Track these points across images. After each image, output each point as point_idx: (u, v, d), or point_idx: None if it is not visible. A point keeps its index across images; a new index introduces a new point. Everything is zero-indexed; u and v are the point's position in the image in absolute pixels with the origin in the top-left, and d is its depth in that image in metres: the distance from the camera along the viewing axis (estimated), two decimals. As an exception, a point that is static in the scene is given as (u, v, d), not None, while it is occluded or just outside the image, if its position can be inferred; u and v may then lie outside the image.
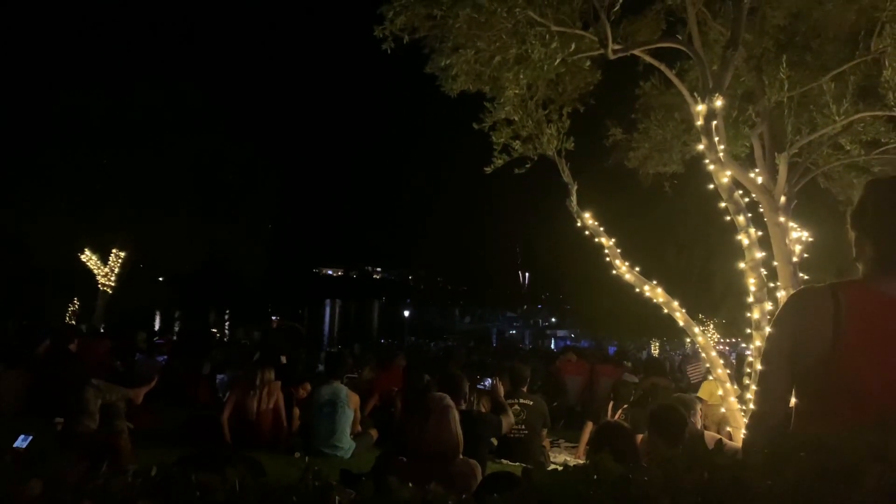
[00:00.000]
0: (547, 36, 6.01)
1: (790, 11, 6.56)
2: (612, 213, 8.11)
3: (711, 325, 20.62)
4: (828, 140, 6.52)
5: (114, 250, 21.36)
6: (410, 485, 1.17)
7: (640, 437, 5.11)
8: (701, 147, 5.74)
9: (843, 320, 1.61)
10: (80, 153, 19.03)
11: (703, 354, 6.61)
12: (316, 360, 12.54)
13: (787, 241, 6.06)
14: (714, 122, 5.62)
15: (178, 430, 6.70)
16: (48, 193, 18.70)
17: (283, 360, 8.80)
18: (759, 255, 5.62)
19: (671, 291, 6.63)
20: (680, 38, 6.34)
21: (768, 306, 5.59)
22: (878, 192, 1.76)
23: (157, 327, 28.97)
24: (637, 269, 6.72)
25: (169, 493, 1.13)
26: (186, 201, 20.49)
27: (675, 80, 6.25)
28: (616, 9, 5.97)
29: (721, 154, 5.65)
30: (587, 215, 6.85)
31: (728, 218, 5.81)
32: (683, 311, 6.45)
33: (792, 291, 5.71)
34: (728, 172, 5.69)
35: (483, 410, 6.55)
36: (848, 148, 6.78)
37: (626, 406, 7.40)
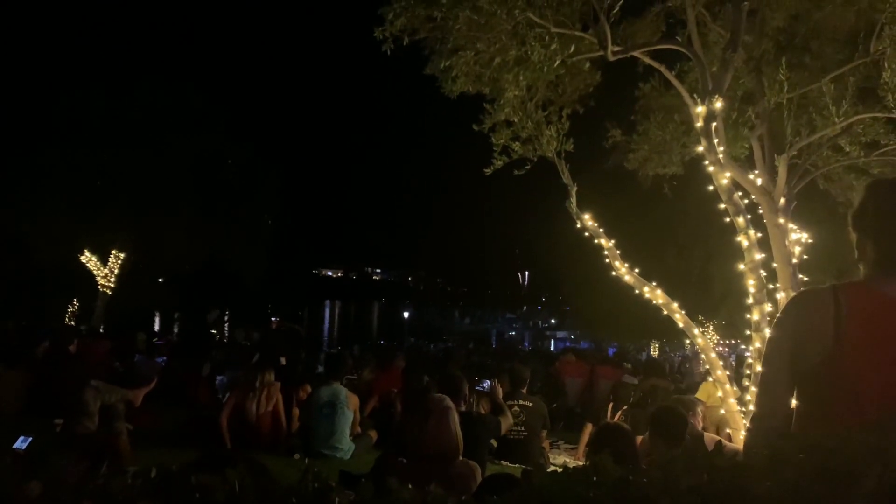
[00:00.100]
0: (546, 37, 6.02)
1: (790, 13, 6.57)
2: (611, 214, 8.12)
3: (711, 327, 20.63)
4: (827, 142, 6.52)
5: (113, 251, 21.36)
6: (410, 486, 1.17)
7: (639, 438, 5.11)
8: (700, 149, 5.75)
9: (843, 321, 1.61)
10: (80, 153, 19.05)
11: (703, 356, 6.61)
12: (315, 361, 12.53)
13: (786, 242, 6.06)
14: (714, 124, 5.63)
15: (177, 431, 6.70)
16: (48, 194, 18.71)
17: (283, 361, 8.79)
18: (759, 256, 5.62)
19: (671, 293, 6.63)
20: (679, 39, 6.35)
21: (768, 308, 5.59)
22: (878, 194, 1.76)
23: (156, 328, 28.95)
24: (637, 270, 6.72)
25: (169, 495, 1.13)
26: (186, 202, 20.50)
27: (675, 82, 6.26)
28: (616, 10, 5.98)
29: (720, 155, 5.66)
30: (587, 216, 6.85)
31: (727, 219, 5.82)
32: (683, 312, 6.46)
33: (791, 293, 5.73)
34: (727, 174, 5.70)
35: (483, 412, 6.55)
36: (847, 149, 6.78)
37: (625, 407, 7.40)
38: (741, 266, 5.73)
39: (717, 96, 5.58)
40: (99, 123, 19.37)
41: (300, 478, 1.20)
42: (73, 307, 23.43)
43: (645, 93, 7.83)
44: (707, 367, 6.55)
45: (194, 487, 1.13)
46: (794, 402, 1.74)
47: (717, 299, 18.13)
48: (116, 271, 21.48)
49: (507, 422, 6.20)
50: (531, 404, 7.03)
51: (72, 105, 19.18)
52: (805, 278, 6.11)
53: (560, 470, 1.15)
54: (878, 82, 5.76)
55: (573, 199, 6.87)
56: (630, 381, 8.99)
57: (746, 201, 5.97)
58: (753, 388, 5.57)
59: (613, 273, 6.79)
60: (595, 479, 1.08)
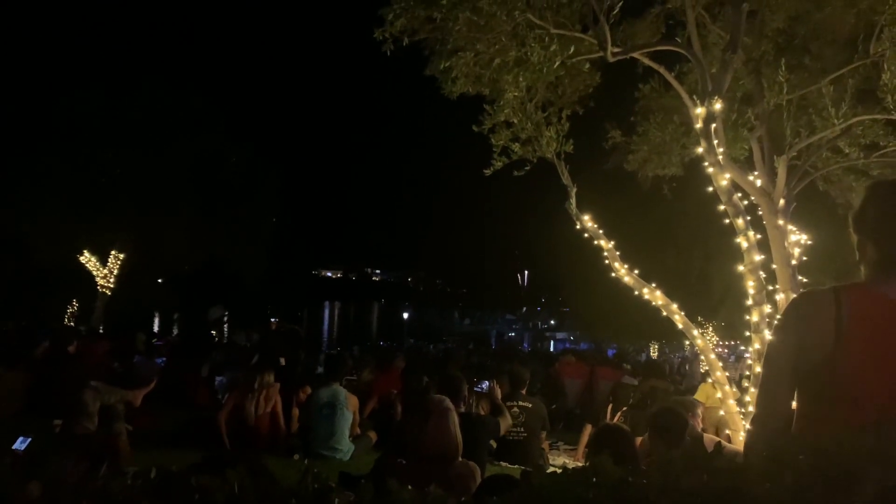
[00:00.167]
0: (546, 39, 6.02)
1: (789, 14, 6.58)
2: (611, 215, 8.12)
3: (710, 328, 20.65)
4: (827, 143, 6.53)
5: (113, 251, 21.36)
6: (409, 487, 1.17)
7: (639, 439, 5.11)
8: (700, 150, 5.75)
9: (844, 323, 1.61)
10: (80, 154, 19.05)
11: (702, 357, 6.62)
12: (315, 362, 12.52)
13: (786, 243, 6.06)
14: (713, 125, 5.63)
15: (177, 432, 6.69)
16: (48, 194, 18.71)
17: (282, 362, 8.79)
18: (758, 257, 5.62)
19: (670, 294, 6.63)
20: (679, 41, 6.35)
21: (767, 309, 5.59)
22: (879, 195, 1.76)
23: (155, 329, 28.94)
24: (636, 271, 6.72)
25: (168, 495, 1.13)
26: (186, 202, 20.51)
27: (675, 83, 6.26)
28: (615, 12, 5.99)
29: (720, 157, 5.66)
30: (586, 217, 6.86)
31: (727, 221, 5.82)
32: (682, 313, 6.46)
33: (791, 294, 5.74)
34: (727, 175, 5.70)
35: (482, 413, 6.54)
36: (847, 151, 6.79)
37: (625, 408, 7.39)
38: (740, 267, 5.74)
39: (716, 97, 5.58)
40: (99, 123, 19.37)
41: (300, 479, 1.20)
42: (73, 308, 23.44)
43: (644, 94, 7.83)
44: (706, 368, 6.55)
45: (194, 488, 1.13)
46: (794, 404, 1.74)
47: (716, 300, 18.16)
48: (116, 272, 21.48)
49: (505, 422, 6.20)
50: (531, 405, 7.02)
51: (72, 105, 19.18)
52: (804, 280, 6.12)
53: (559, 471, 1.15)
54: (877, 84, 5.77)
55: (573, 200, 6.87)
56: (629, 382, 8.99)
57: (746, 203, 5.97)
58: (753, 390, 5.57)
59: (613, 274, 6.79)
60: (595, 480, 1.08)
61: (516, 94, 6.37)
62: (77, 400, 5.27)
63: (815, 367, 1.64)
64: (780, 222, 6.09)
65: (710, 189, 5.84)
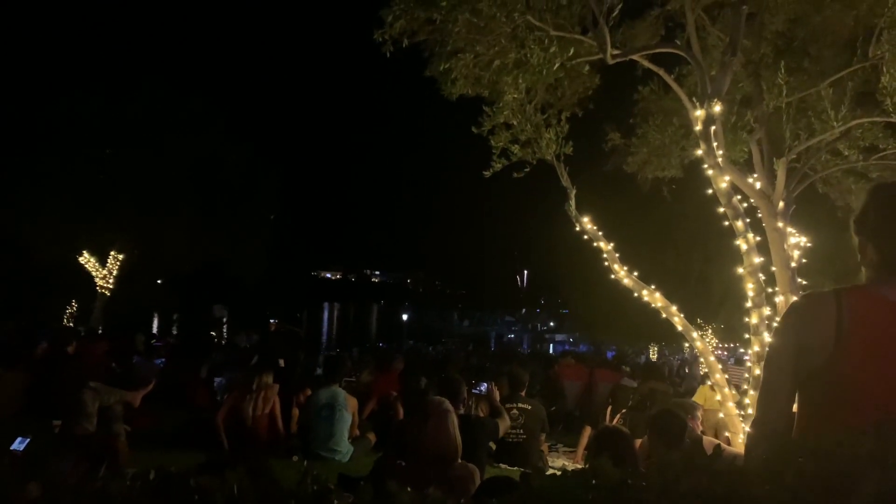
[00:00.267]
0: (546, 40, 6.03)
1: (789, 17, 6.59)
2: (610, 217, 8.13)
3: (710, 330, 20.65)
4: (826, 146, 6.54)
5: (112, 252, 21.35)
6: (409, 489, 1.17)
7: (638, 441, 5.11)
8: (699, 152, 5.76)
9: (845, 326, 1.61)
10: (80, 154, 19.04)
11: (702, 359, 6.62)
12: (314, 363, 12.53)
13: (785, 246, 6.07)
14: (713, 128, 5.64)
15: (176, 433, 6.69)
16: (47, 195, 18.69)
17: (282, 363, 8.79)
18: (758, 260, 5.63)
19: (670, 296, 6.64)
20: (679, 43, 6.36)
21: (766, 311, 5.60)
22: (880, 197, 1.76)
23: (154, 329, 28.92)
24: (636, 273, 6.72)
25: (168, 497, 1.13)
26: (185, 203, 20.50)
27: (674, 86, 6.27)
28: (615, 14, 5.99)
29: (720, 159, 5.66)
30: (586, 219, 6.86)
31: (726, 223, 5.82)
32: (682, 315, 6.46)
33: (790, 297, 5.74)
34: (726, 177, 5.70)
35: (481, 414, 6.54)
36: (846, 153, 6.80)
37: (624, 411, 7.39)
38: (740, 269, 5.74)
39: (716, 100, 5.59)
40: (98, 124, 19.36)
41: (299, 480, 1.20)
42: (72, 308, 23.42)
43: (644, 96, 7.84)
44: (706, 370, 6.55)
45: (193, 489, 1.13)
46: (795, 407, 1.74)
47: (715, 303, 18.16)
48: (115, 272, 21.47)
49: (504, 424, 6.20)
50: (530, 407, 7.02)
51: (71, 105, 19.18)
52: (804, 282, 6.12)
53: (559, 473, 1.15)
54: (876, 86, 5.78)
55: (572, 202, 6.87)
56: (629, 384, 8.98)
57: (745, 205, 5.97)
58: (752, 392, 5.57)
59: (612, 276, 6.80)
60: (594, 482, 1.08)
61: (516, 95, 6.38)
62: (76, 401, 5.27)
63: (815, 369, 1.64)
64: (780, 224, 6.09)
65: (710, 191, 5.85)
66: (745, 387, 5.83)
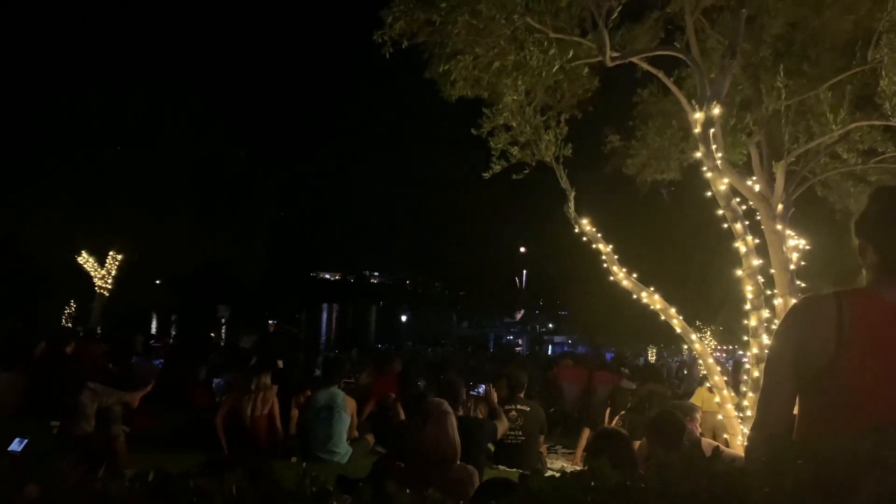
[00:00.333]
0: (545, 43, 6.04)
1: (788, 20, 6.59)
2: (609, 219, 8.13)
3: (709, 332, 20.66)
4: (825, 149, 6.54)
5: (111, 252, 21.33)
6: (408, 490, 1.17)
7: (637, 443, 5.11)
8: (698, 154, 5.77)
9: (846, 328, 1.61)
10: (78, 155, 19.02)
11: (700, 361, 6.62)
12: (313, 364, 12.52)
13: (784, 248, 6.08)
14: (712, 130, 5.65)
15: (175, 434, 6.68)
16: (46, 195, 18.67)
17: (280, 364, 8.78)
18: (757, 262, 5.63)
19: (668, 298, 6.64)
20: (678, 46, 6.37)
21: (765, 314, 5.60)
22: (881, 200, 1.77)
23: (153, 330, 28.89)
24: (634, 275, 6.73)
25: (166, 498, 1.13)
26: (185, 203, 20.48)
27: (673, 88, 6.28)
28: (614, 16, 6.00)
29: (719, 162, 5.67)
30: (585, 221, 6.87)
31: (725, 225, 5.83)
32: (681, 317, 6.46)
33: (789, 299, 5.74)
34: (725, 180, 5.71)
35: (480, 416, 6.54)
36: (845, 157, 6.81)
37: (623, 412, 7.39)
38: (739, 272, 5.74)
39: (715, 103, 5.60)
40: (98, 124, 19.35)
41: (298, 482, 1.20)
42: (71, 309, 23.39)
43: (643, 98, 7.85)
44: (705, 372, 6.55)
45: (192, 491, 1.13)
46: (795, 410, 1.74)
47: (714, 305, 18.16)
48: (114, 273, 21.44)
49: (502, 426, 6.21)
50: (529, 409, 7.02)
51: (70, 106, 19.17)
52: (803, 284, 6.12)
53: (558, 475, 1.15)
54: (875, 90, 5.79)
55: (571, 204, 6.88)
56: (628, 386, 8.98)
57: (744, 207, 5.98)
58: (751, 394, 5.58)
59: (611, 278, 6.80)
60: (593, 484, 1.08)
61: (515, 97, 6.39)
62: (74, 401, 5.26)
63: (816, 372, 1.64)
64: (779, 227, 6.10)
65: (709, 194, 5.85)
66: (744, 389, 5.83)
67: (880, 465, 1.01)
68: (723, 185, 5.66)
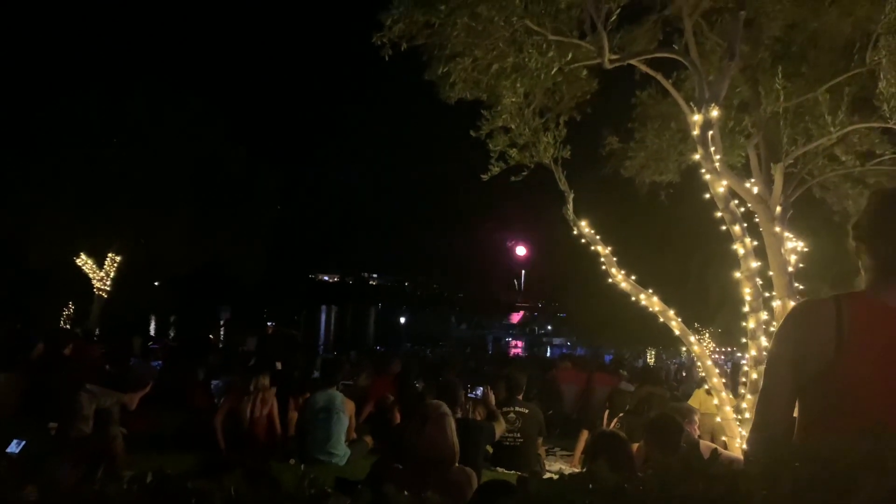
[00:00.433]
0: (544, 45, 6.04)
1: (786, 23, 6.60)
2: (608, 221, 8.13)
3: (707, 335, 20.66)
4: (823, 151, 6.55)
5: (110, 254, 21.31)
6: (406, 492, 1.17)
7: (635, 445, 5.11)
8: (697, 157, 5.77)
9: (845, 332, 1.61)
10: (78, 155, 19.00)
11: (699, 363, 6.62)
12: (312, 366, 12.51)
13: (782, 250, 6.08)
14: (710, 132, 5.65)
15: (173, 436, 6.67)
16: (44, 197, 18.65)
17: (279, 366, 8.77)
18: (755, 264, 5.63)
19: (667, 300, 6.65)
20: (676, 48, 6.38)
21: (763, 316, 5.61)
22: (878, 203, 1.77)
23: (152, 332, 28.86)
24: (633, 277, 6.73)
25: (165, 500, 1.13)
26: (183, 205, 20.47)
27: (672, 90, 6.29)
28: (613, 19, 6.01)
29: (717, 164, 5.68)
30: (584, 223, 6.87)
31: (724, 227, 5.83)
32: (679, 319, 6.47)
33: (787, 301, 5.75)
34: (724, 182, 5.72)
35: (478, 418, 6.54)
36: (843, 159, 6.82)
37: (621, 414, 7.39)
38: (737, 274, 5.75)
39: (713, 105, 5.60)
40: (96, 124, 19.34)
41: (296, 483, 1.20)
42: (69, 310, 23.36)
43: (642, 101, 7.86)
44: (704, 374, 6.55)
45: (191, 493, 1.12)
46: (795, 412, 1.74)
47: (713, 307, 18.15)
48: (112, 274, 21.42)
49: (499, 428, 6.20)
50: (527, 411, 7.02)
51: (69, 106, 19.16)
52: (801, 287, 6.13)
53: (556, 477, 1.15)
54: (873, 92, 5.79)
55: (570, 206, 6.88)
56: (626, 388, 8.99)
57: (743, 209, 5.99)
58: (749, 396, 5.58)
59: (610, 280, 6.80)
60: (591, 486, 1.08)
61: (514, 99, 6.39)
62: (72, 403, 5.26)
63: (816, 376, 1.64)
64: (777, 229, 6.10)
65: (707, 196, 5.86)
66: (743, 391, 5.83)
67: (878, 467, 1.01)
68: (721, 187, 5.66)
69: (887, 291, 1.66)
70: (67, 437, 5.09)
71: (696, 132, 5.69)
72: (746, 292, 5.63)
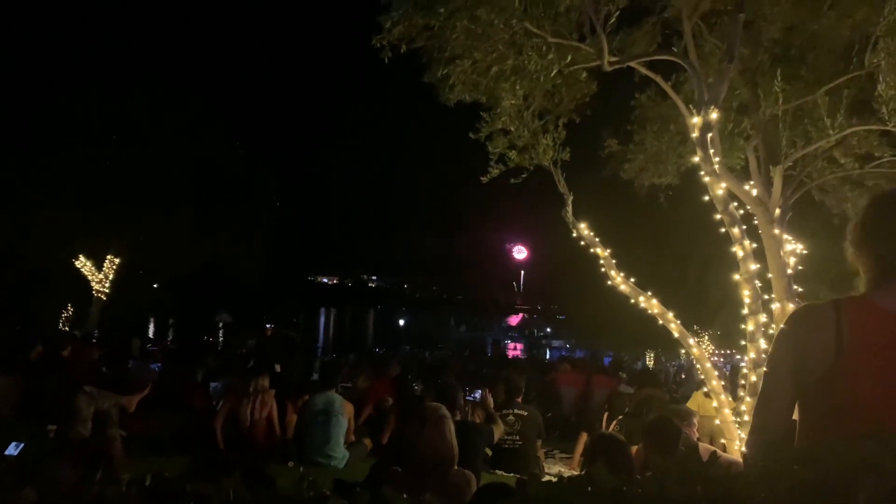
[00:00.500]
0: (543, 47, 6.05)
1: (785, 25, 6.61)
2: (607, 223, 8.14)
3: (706, 337, 20.66)
4: (822, 153, 6.56)
5: (108, 256, 21.30)
6: (405, 495, 1.17)
7: (634, 448, 5.11)
8: (696, 159, 5.77)
9: (845, 336, 1.62)
10: (77, 156, 19.00)
11: (698, 366, 6.62)
12: (311, 368, 12.50)
13: (781, 253, 6.08)
14: (709, 135, 5.66)
15: (172, 438, 6.66)
16: (44, 197, 18.64)
17: (278, 368, 8.76)
18: (754, 267, 5.63)
19: (666, 302, 6.65)
20: (676, 50, 6.38)
21: (762, 318, 5.60)
22: (879, 206, 1.77)
23: (151, 334, 28.83)
24: (632, 279, 6.73)
25: (163, 502, 1.13)
26: (182, 207, 20.47)
27: (671, 92, 6.29)
28: (612, 21, 6.02)
29: (716, 166, 5.68)
30: (583, 225, 6.87)
31: (723, 230, 5.83)
32: (678, 322, 6.47)
33: (786, 304, 5.75)
34: (723, 184, 5.72)
35: (477, 420, 6.53)
36: (842, 161, 6.82)
37: (620, 417, 7.39)
38: (736, 276, 5.74)
39: (712, 107, 5.61)
40: (96, 125, 19.34)
41: (295, 486, 1.20)
42: (68, 312, 23.35)
43: (641, 103, 7.86)
44: (703, 376, 6.55)
45: (189, 495, 1.12)
46: (795, 415, 1.74)
47: (712, 309, 18.15)
48: (111, 276, 21.41)
49: (498, 430, 6.20)
50: (526, 413, 7.01)
51: (68, 107, 19.15)
52: (800, 289, 6.13)
53: (555, 479, 1.15)
54: (872, 95, 5.79)
55: (569, 208, 6.89)
56: (625, 390, 8.98)
57: (742, 212, 5.98)
58: (748, 399, 5.58)
59: (609, 282, 6.80)
60: (590, 488, 1.08)
61: (513, 101, 6.40)
62: (71, 405, 5.25)
63: (816, 380, 1.65)
64: (776, 232, 6.11)
65: (707, 198, 5.86)
66: (742, 393, 5.83)
67: (877, 471, 1.01)
68: (720, 189, 5.67)
69: (887, 296, 1.66)
70: (66, 440, 5.09)
71: (695, 134, 5.70)
72: (745, 294, 5.63)
